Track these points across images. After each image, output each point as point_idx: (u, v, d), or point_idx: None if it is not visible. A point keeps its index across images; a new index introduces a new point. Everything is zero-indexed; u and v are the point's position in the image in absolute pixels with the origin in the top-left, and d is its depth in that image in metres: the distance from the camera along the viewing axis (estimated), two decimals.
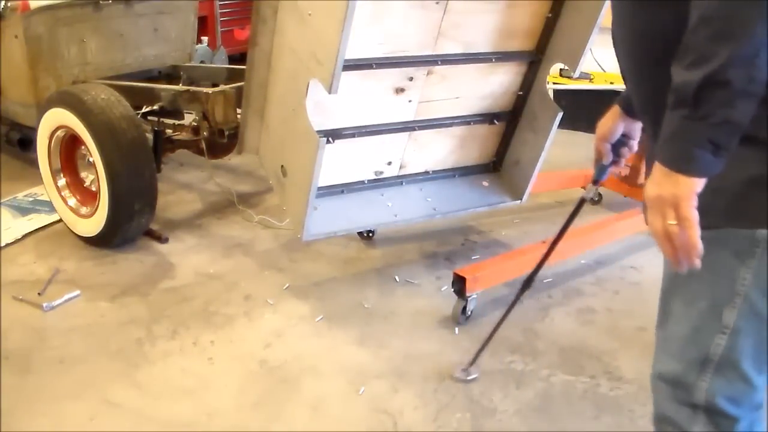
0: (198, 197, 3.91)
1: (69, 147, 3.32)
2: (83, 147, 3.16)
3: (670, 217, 1.12)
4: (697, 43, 1.06)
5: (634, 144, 1.72)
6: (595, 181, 1.90)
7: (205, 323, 2.70)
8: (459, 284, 2.65)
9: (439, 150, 3.01)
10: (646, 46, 1.25)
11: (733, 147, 1.09)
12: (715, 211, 1.16)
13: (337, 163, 2.77)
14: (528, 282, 2.31)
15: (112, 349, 2.54)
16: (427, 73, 2.69)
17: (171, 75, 4.08)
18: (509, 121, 3.04)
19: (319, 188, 2.65)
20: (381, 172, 2.96)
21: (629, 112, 1.65)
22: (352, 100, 2.61)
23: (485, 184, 3.14)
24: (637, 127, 1.69)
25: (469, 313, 2.70)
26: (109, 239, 3.19)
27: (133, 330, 2.65)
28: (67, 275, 3.04)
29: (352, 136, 2.73)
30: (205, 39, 5.41)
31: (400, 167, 2.98)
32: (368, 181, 2.94)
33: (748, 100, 1.05)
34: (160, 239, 3.33)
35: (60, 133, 3.26)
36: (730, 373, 1.23)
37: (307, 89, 2.46)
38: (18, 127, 3.92)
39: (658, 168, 1.13)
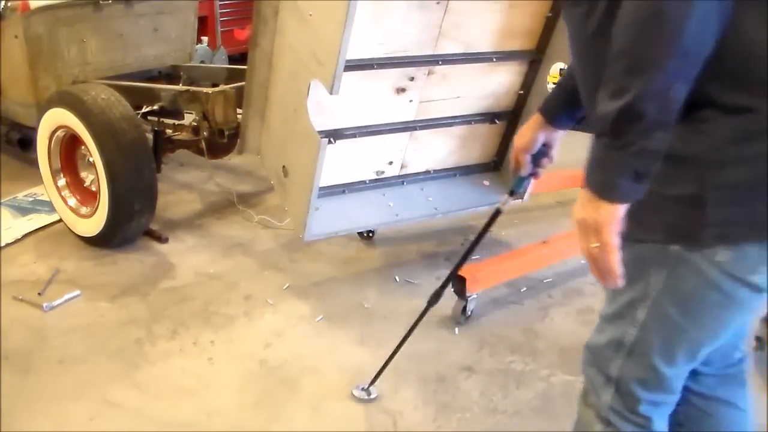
0: (198, 197, 3.91)
1: (69, 147, 3.32)
2: (83, 147, 3.16)
3: (593, 240, 1.17)
4: (614, 75, 1.08)
5: (555, 154, 1.72)
6: (512, 192, 1.84)
7: (205, 323, 2.70)
8: (459, 284, 2.65)
9: (440, 150, 3.01)
10: (598, 55, 1.24)
11: (653, 173, 1.12)
12: (643, 227, 1.22)
13: (339, 163, 2.77)
14: (437, 295, 2.26)
15: (112, 349, 2.54)
16: (428, 73, 2.69)
17: (171, 75, 4.08)
18: (510, 120, 3.04)
19: (321, 188, 2.65)
20: (382, 172, 2.96)
21: (550, 121, 1.65)
22: (353, 100, 2.61)
23: (486, 183, 3.14)
24: (557, 137, 1.70)
25: (469, 313, 2.70)
26: (109, 239, 3.19)
27: (133, 330, 2.65)
28: (67, 275, 3.04)
29: (353, 136, 2.73)
30: (205, 39, 5.41)
31: (401, 167, 2.98)
32: (369, 181, 2.94)
33: (663, 130, 1.08)
34: (160, 239, 3.33)
35: (60, 133, 3.26)
36: (639, 361, 1.33)
37: (308, 90, 2.46)
38: (18, 127, 3.92)
39: (583, 192, 1.17)
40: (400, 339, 2.30)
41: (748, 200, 1.14)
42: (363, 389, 2.30)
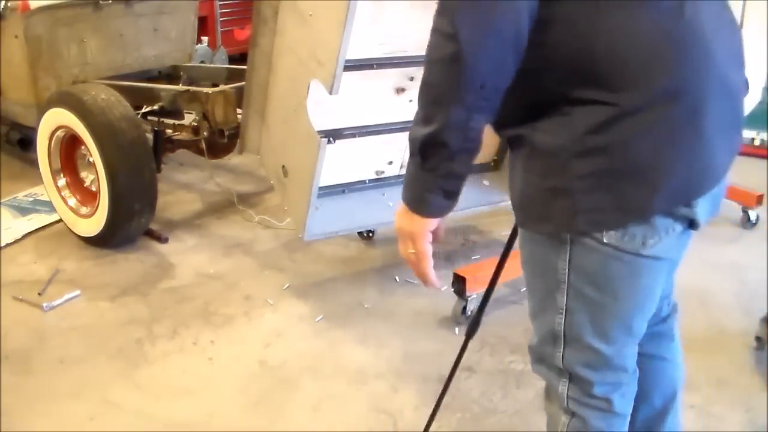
0: (198, 197, 3.91)
1: (69, 147, 3.32)
2: (83, 147, 3.16)
3: (409, 247, 1.31)
4: (422, 104, 1.19)
5: None
6: None
7: (205, 323, 2.70)
8: (459, 284, 2.65)
9: None
10: None
11: (460, 190, 1.25)
12: (530, 219, 1.31)
13: (338, 163, 2.77)
14: (476, 324, 2.04)
15: (112, 349, 2.54)
16: None
17: (171, 75, 4.08)
18: None
19: (320, 188, 2.65)
20: (382, 172, 2.96)
21: None
22: (352, 100, 2.61)
23: (486, 183, 3.14)
24: None
25: (469, 313, 2.70)
26: (109, 239, 3.19)
27: (133, 330, 2.65)
28: (67, 275, 3.04)
29: (353, 136, 2.73)
30: (205, 39, 5.41)
31: (401, 167, 2.98)
32: (369, 180, 2.95)
33: (466, 155, 1.21)
34: (160, 239, 3.33)
35: (60, 133, 3.26)
36: (576, 345, 1.38)
37: (308, 89, 2.46)
38: (18, 127, 3.93)
39: (401, 204, 1.30)
40: (445, 375, 2.02)
41: (613, 186, 1.19)
42: None
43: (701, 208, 1.25)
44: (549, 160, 1.22)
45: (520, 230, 1.38)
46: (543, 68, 1.16)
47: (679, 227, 1.25)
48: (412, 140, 1.22)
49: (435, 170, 1.21)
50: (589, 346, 1.36)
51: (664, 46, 1.15)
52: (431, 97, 1.17)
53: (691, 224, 1.27)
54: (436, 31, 1.14)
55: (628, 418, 1.49)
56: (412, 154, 1.24)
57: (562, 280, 1.32)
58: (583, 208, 1.21)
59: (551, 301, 1.36)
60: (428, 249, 1.31)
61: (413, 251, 1.32)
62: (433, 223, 1.29)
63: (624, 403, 1.45)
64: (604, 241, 1.24)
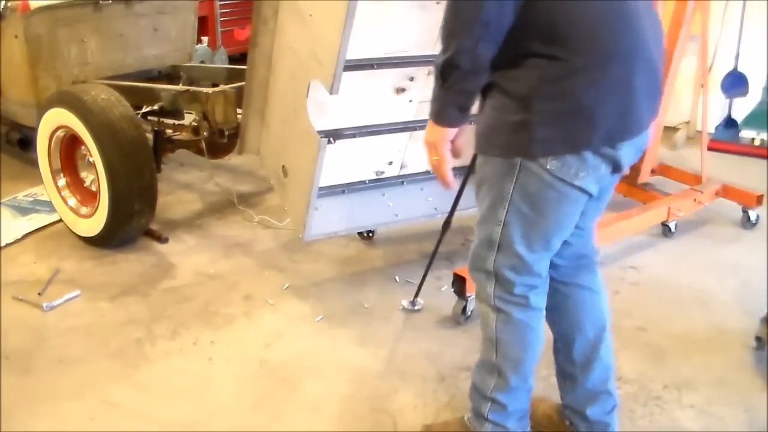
0: (198, 197, 3.91)
1: (69, 147, 3.32)
2: (83, 147, 3.16)
3: (434, 154, 1.69)
4: (442, 39, 1.55)
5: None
6: None
7: (205, 323, 2.70)
8: (459, 284, 2.65)
9: None
10: None
11: (470, 106, 1.62)
12: (492, 145, 1.64)
13: (338, 163, 2.77)
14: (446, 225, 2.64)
15: (112, 349, 2.54)
16: (428, 73, 2.69)
17: (171, 75, 4.08)
18: None
19: (320, 188, 2.65)
20: (382, 172, 2.96)
21: None
22: (352, 100, 2.61)
23: None
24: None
25: (469, 313, 2.70)
26: (109, 239, 3.19)
27: (133, 330, 2.65)
28: (67, 275, 3.04)
29: (353, 136, 2.73)
30: (205, 39, 5.41)
31: (401, 167, 2.98)
32: (369, 181, 2.95)
33: (475, 76, 1.56)
34: (160, 239, 3.33)
35: (60, 133, 3.26)
36: (507, 251, 1.74)
37: (308, 89, 2.46)
38: (18, 127, 3.93)
39: (429, 121, 1.66)
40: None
41: (564, 124, 1.55)
42: (410, 302, 2.76)
43: (624, 152, 1.62)
44: (516, 100, 1.56)
45: (479, 156, 1.70)
46: (521, 27, 1.50)
47: (605, 168, 1.61)
48: (435, 67, 1.57)
49: (451, 88, 1.57)
50: (516, 254, 1.72)
51: (610, 22, 1.54)
52: (447, 31, 1.53)
53: (615, 167, 1.63)
54: None
55: (543, 313, 1.84)
56: (435, 79, 1.59)
57: (506, 198, 1.67)
58: (539, 138, 1.56)
59: (494, 214, 1.70)
60: (448, 155, 1.68)
61: (436, 158, 1.68)
62: (451, 132, 1.65)
63: (538, 300, 1.81)
64: (548, 167, 1.58)
